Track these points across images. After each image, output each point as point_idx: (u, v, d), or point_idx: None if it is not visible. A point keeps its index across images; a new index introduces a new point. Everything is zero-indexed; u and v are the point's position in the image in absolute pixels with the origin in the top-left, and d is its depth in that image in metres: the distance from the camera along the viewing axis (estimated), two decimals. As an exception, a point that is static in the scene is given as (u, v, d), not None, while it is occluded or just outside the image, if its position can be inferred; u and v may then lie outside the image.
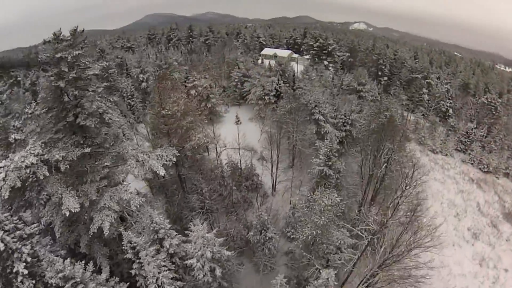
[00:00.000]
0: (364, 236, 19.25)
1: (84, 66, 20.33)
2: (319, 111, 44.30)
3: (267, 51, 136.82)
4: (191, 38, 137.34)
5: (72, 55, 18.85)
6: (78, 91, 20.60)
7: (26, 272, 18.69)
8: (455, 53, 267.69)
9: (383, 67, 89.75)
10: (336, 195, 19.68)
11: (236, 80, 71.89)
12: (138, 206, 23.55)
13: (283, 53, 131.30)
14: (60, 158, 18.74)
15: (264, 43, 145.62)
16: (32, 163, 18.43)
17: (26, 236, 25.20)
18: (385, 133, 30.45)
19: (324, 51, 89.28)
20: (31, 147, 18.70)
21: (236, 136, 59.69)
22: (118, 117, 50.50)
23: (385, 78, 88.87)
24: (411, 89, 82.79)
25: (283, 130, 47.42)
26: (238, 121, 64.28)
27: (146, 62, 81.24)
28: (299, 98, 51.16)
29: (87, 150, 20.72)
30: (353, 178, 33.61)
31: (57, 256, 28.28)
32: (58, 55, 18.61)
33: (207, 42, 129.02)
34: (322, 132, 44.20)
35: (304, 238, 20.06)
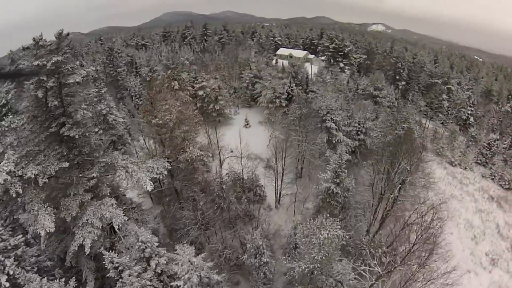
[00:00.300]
0: (367, 277, 17.03)
1: (67, 73, 18.62)
2: (331, 118, 41.73)
3: (282, 51, 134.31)
4: (205, 37, 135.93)
5: (52, 61, 17.16)
6: (61, 100, 19.01)
7: (8, 285, 17.95)
8: (476, 57, 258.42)
9: (401, 71, 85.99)
10: (338, 227, 17.40)
11: (247, 81, 69.84)
12: (120, 225, 21.93)
13: (299, 53, 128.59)
14: (32, 176, 17.10)
15: (279, 43, 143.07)
16: (5, 180, 16.83)
17: (10, 247, 23.96)
18: (401, 147, 27.81)
19: (340, 53, 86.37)
20: (4, 163, 17.12)
21: (244, 140, 58.46)
22: (124, 118, 48.79)
23: (403, 82, 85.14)
24: (430, 94, 78.95)
25: (292, 138, 45.25)
26: (247, 124, 62.29)
27: (155, 61, 79.99)
28: (310, 103, 48.81)
29: (65, 165, 19.34)
30: (362, 195, 30.96)
31: (44, 266, 27.38)
32: (36, 63, 16.98)
33: (221, 41, 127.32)
34: (334, 141, 41.65)
35: (300, 270, 17.93)
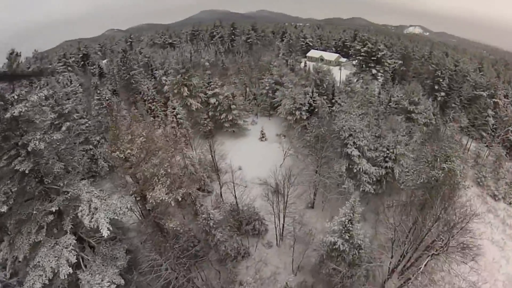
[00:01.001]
0: None
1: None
2: (353, 142, 35.26)
3: (313, 53, 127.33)
4: (233, 36, 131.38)
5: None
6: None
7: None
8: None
9: (441, 80, 76.70)
10: None
11: (266, 87, 64.17)
12: (66, 276, 18.33)
13: (330, 56, 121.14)
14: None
15: (310, 44, 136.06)
16: None
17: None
18: (437, 195, 21.46)
19: (372, 58, 78.43)
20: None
21: (257, 156, 53.14)
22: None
23: (442, 93, 75.95)
24: (473, 109, 69.76)
25: (307, 161, 39.28)
26: (263, 137, 56.73)
27: (170, 63, 75.97)
28: (333, 118, 42.52)
29: (3, 209, 17.27)
30: (380, 242, 24.50)
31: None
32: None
33: (248, 41, 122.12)
34: (355, 170, 35.25)
35: None
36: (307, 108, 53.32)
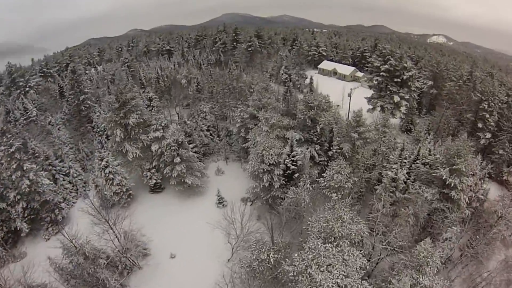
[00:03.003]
0: None
1: None
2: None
3: (325, 65, 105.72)
4: (235, 43, 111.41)
5: None
6: None
7: None
8: None
9: (488, 115, 53.27)
10: None
11: (238, 123, 44.10)
12: None
13: (345, 69, 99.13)
14: None
15: (324, 54, 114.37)
16: None
17: None
18: None
19: (396, 79, 56.42)
20: None
21: (205, 235, 32.70)
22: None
23: (488, 134, 52.65)
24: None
25: None
26: (221, 202, 36.68)
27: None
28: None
29: None
30: None
31: None
32: None
33: (249, 49, 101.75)
34: None
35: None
36: (283, 171, 32.76)
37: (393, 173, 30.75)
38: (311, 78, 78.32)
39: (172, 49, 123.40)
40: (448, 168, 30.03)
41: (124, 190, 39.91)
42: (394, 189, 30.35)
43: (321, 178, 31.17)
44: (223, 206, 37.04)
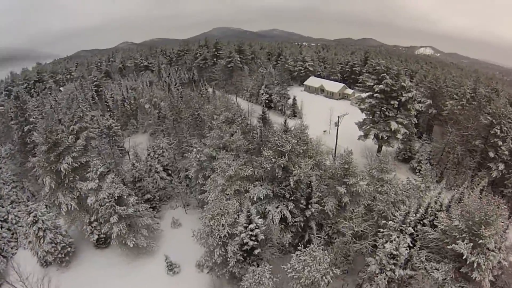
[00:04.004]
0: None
1: None
2: None
3: (312, 81, 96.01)
4: (215, 59, 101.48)
5: None
6: None
7: None
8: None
9: (500, 142, 43.33)
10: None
11: (195, 167, 33.57)
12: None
13: (333, 86, 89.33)
14: None
15: (311, 69, 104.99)
16: None
17: None
18: None
19: (392, 100, 46.14)
20: None
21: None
22: None
23: (501, 166, 42.54)
24: None
25: None
26: (171, 268, 26.27)
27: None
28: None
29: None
30: None
31: None
32: None
33: (229, 66, 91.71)
34: None
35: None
36: (238, 246, 22.22)
37: (392, 246, 20.59)
38: (294, 99, 68.24)
39: (150, 65, 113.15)
40: (470, 243, 19.83)
41: (60, 248, 32.14)
42: (393, 266, 20.20)
43: (288, 265, 20.70)
44: (174, 274, 26.78)
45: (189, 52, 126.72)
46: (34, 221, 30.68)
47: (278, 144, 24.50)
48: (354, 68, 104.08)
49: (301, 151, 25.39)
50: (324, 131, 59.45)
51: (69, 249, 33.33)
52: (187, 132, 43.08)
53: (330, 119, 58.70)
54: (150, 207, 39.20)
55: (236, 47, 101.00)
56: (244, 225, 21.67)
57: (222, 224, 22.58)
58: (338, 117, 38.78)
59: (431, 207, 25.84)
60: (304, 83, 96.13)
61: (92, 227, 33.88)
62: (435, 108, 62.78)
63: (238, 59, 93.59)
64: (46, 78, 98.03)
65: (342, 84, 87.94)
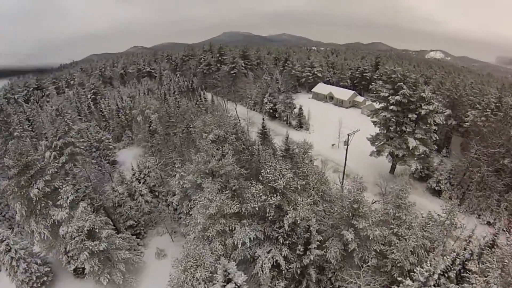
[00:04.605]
0: None
1: None
2: None
3: (320, 88, 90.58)
4: (219, 65, 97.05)
5: None
6: None
7: None
8: None
9: None
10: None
11: (178, 194, 28.87)
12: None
13: (343, 93, 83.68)
14: None
15: (319, 75, 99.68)
16: None
17: None
18: None
19: (410, 113, 40.27)
20: None
21: None
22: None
23: None
24: None
25: None
26: None
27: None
28: None
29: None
30: None
31: None
32: None
33: (232, 72, 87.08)
34: None
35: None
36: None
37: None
38: (300, 108, 62.94)
39: (152, 71, 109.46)
40: None
41: (35, 278, 29.49)
42: None
43: None
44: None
45: (193, 58, 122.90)
46: (7, 249, 28.30)
47: (270, 178, 19.49)
48: (364, 74, 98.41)
49: (299, 187, 20.32)
50: (333, 144, 54.18)
51: (45, 278, 30.51)
52: (174, 151, 38.33)
53: (339, 131, 53.47)
54: (133, 234, 35.10)
55: (240, 52, 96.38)
56: (222, 283, 16.76)
57: (197, 278, 17.83)
58: (348, 135, 33.34)
59: (459, 255, 20.41)
60: (312, 90, 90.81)
61: (68, 256, 30.35)
62: (455, 119, 56.99)
63: (243, 64, 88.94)
64: (46, 85, 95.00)
65: (353, 92, 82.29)
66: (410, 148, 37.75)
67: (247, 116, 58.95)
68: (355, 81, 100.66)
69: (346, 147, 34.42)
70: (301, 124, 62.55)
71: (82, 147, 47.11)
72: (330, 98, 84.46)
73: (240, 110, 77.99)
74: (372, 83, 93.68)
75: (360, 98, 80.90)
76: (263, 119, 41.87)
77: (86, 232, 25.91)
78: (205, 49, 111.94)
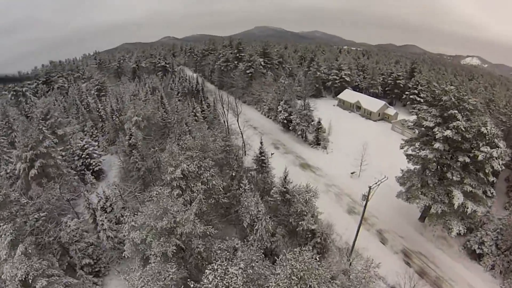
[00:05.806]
0: None
1: None
2: None
3: (347, 95, 78.69)
4: (236, 62, 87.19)
5: None
6: None
7: None
8: None
9: None
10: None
11: (129, 247, 20.17)
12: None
13: (372, 103, 71.38)
14: None
15: (347, 79, 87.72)
16: None
17: None
18: None
19: (461, 154, 28.81)
20: None
21: None
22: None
23: None
24: None
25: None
26: None
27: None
28: None
29: None
30: None
31: None
32: None
33: (248, 72, 77.04)
34: None
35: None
36: None
37: None
38: (319, 122, 52.10)
39: (167, 65, 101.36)
40: None
41: None
42: None
43: None
44: None
45: (213, 52, 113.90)
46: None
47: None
48: (398, 81, 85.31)
49: None
50: (352, 173, 43.48)
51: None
52: (139, 179, 29.54)
53: (362, 156, 42.69)
54: (91, 272, 27.52)
55: (260, 49, 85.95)
56: None
57: None
58: (369, 187, 22.46)
59: None
60: (338, 96, 79.24)
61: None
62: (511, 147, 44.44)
63: (262, 63, 78.66)
64: (55, 79, 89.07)
65: (383, 103, 70.08)
66: (455, 206, 26.57)
67: (241, 131, 48.87)
68: (386, 88, 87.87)
69: (364, 205, 23.95)
70: (319, 140, 51.94)
71: (60, 157, 39.57)
72: (357, 107, 72.85)
73: (252, 115, 68.44)
74: (406, 93, 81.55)
75: (391, 111, 68.76)
76: (261, 142, 31.79)
77: (21, 280, 18.82)
78: (225, 44, 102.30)
